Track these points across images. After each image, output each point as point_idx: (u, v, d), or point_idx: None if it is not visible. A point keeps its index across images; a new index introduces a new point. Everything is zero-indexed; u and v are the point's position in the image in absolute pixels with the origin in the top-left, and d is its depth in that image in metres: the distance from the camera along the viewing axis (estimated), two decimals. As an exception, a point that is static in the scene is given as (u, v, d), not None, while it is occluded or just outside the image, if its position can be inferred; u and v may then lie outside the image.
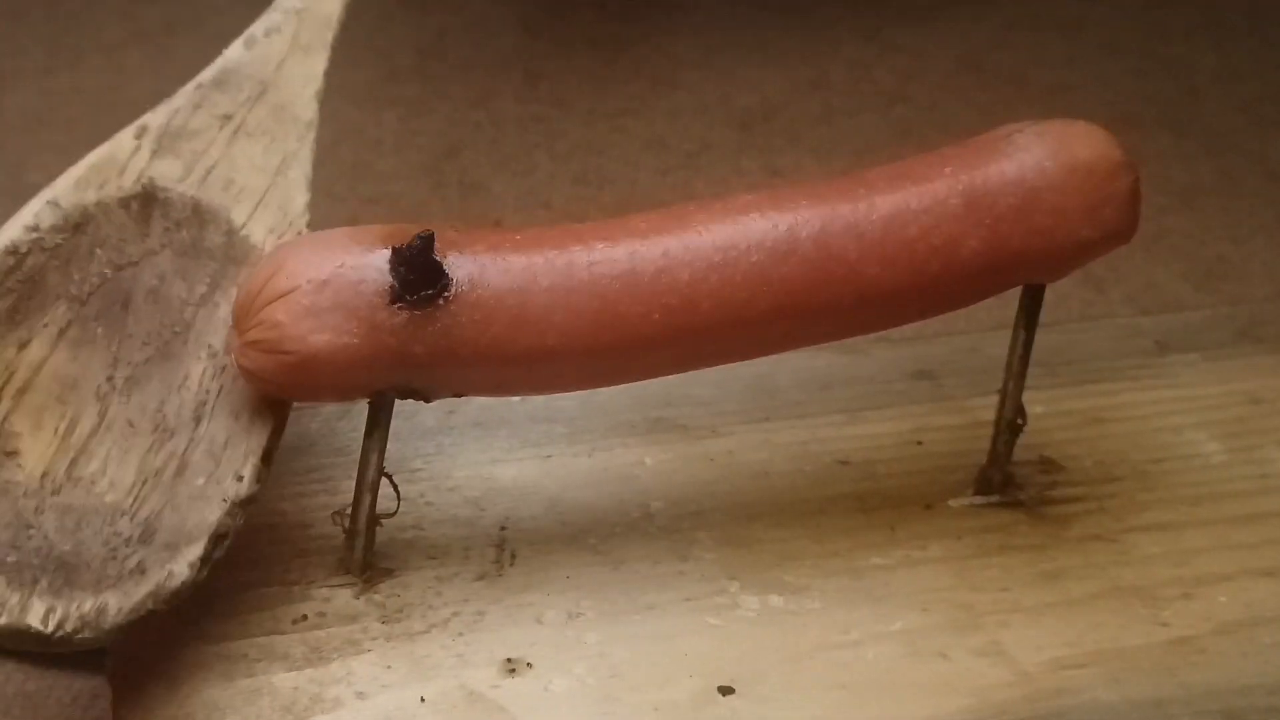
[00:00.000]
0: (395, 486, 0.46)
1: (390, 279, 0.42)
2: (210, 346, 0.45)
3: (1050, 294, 0.49)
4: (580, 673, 0.44)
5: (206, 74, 0.49)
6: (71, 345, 0.44)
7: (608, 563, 0.48)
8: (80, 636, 0.40)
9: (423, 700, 0.43)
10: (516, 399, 0.55)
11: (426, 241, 0.42)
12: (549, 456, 0.52)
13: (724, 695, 0.43)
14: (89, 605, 0.40)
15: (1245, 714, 0.44)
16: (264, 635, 0.44)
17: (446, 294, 0.42)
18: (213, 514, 0.42)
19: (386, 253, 0.42)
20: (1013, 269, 0.47)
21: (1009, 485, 0.51)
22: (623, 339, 0.44)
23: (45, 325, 0.44)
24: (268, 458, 0.44)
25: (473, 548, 0.48)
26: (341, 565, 0.46)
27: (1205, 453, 0.54)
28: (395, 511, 0.46)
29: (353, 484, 0.45)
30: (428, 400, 0.45)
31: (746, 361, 0.58)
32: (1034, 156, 0.46)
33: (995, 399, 0.50)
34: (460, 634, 0.45)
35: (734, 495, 0.51)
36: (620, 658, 0.44)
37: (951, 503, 0.51)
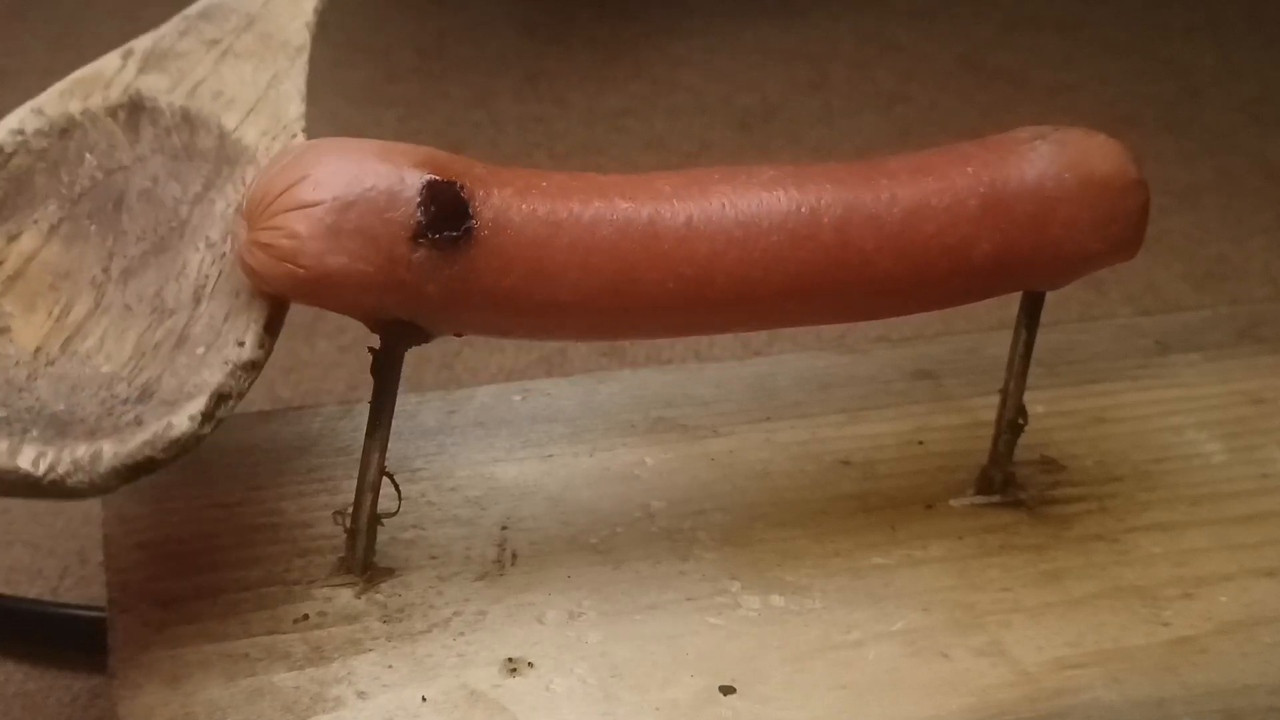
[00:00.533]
0: (396, 486, 0.46)
1: (418, 214, 0.41)
2: (208, 238, 0.44)
3: (1051, 294, 0.49)
4: (581, 672, 0.44)
5: (192, 9, 0.49)
6: (64, 240, 0.44)
7: (609, 562, 0.48)
8: (74, 480, 0.39)
9: (424, 700, 0.43)
10: (518, 398, 0.55)
11: (459, 184, 0.41)
12: (550, 456, 0.52)
13: (725, 695, 0.43)
14: (82, 451, 0.39)
15: (1246, 713, 0.44)
16: (265, 635, 0.44)
17: (470, 237, 0.42)
18: (214, 375, 0.41)
19: (417, 183, 0.41)
20: (1018, 275, 0.47)
21: (1010, 485, 0.51)
22: (635, 302, 0.43)
23: (35, 221, 0.44)
24: (270, 327, 0.43)
25: (474, 547, 0.48)
26: (343, 565, 0.46)
27: (1206, 453, 0.54)
28: (396, 511, 0.46)
29: (354, 483, 0.45)
30: (426, 338, 0.44)
31: (747, 361, 0.59)
32: (1054, 167, 0.46)
33: (996, 399, 0.50)
34: (461, 633, 0.45)
35: (735, 495, 0.51)
36: (621, 657, 0.44)
37: (953, 502, 0.51)
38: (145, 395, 0.41)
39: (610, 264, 0.43)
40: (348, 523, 0.46)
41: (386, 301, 0.42)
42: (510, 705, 0.43)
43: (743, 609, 0.46)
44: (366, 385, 0.44)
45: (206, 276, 0.43)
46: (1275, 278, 0.70)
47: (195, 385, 0.41)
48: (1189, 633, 0.46)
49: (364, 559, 0.46)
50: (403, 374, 0.44)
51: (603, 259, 0.43)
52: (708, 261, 0.43)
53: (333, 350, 0.69)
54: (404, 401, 0.45)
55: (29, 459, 0.39)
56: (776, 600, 0.47)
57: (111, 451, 0.39)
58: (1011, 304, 0.50)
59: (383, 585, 0.46)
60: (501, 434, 0.53)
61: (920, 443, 0.53)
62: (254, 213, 0.41)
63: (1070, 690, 0.44)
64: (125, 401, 0.41)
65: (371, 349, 0.44)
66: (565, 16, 0.90)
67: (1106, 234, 0.46)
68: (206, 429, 0.41)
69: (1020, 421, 0.50)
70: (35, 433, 0.39)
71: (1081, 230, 0.46)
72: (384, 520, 0.46)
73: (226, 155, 0.45)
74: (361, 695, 0.43)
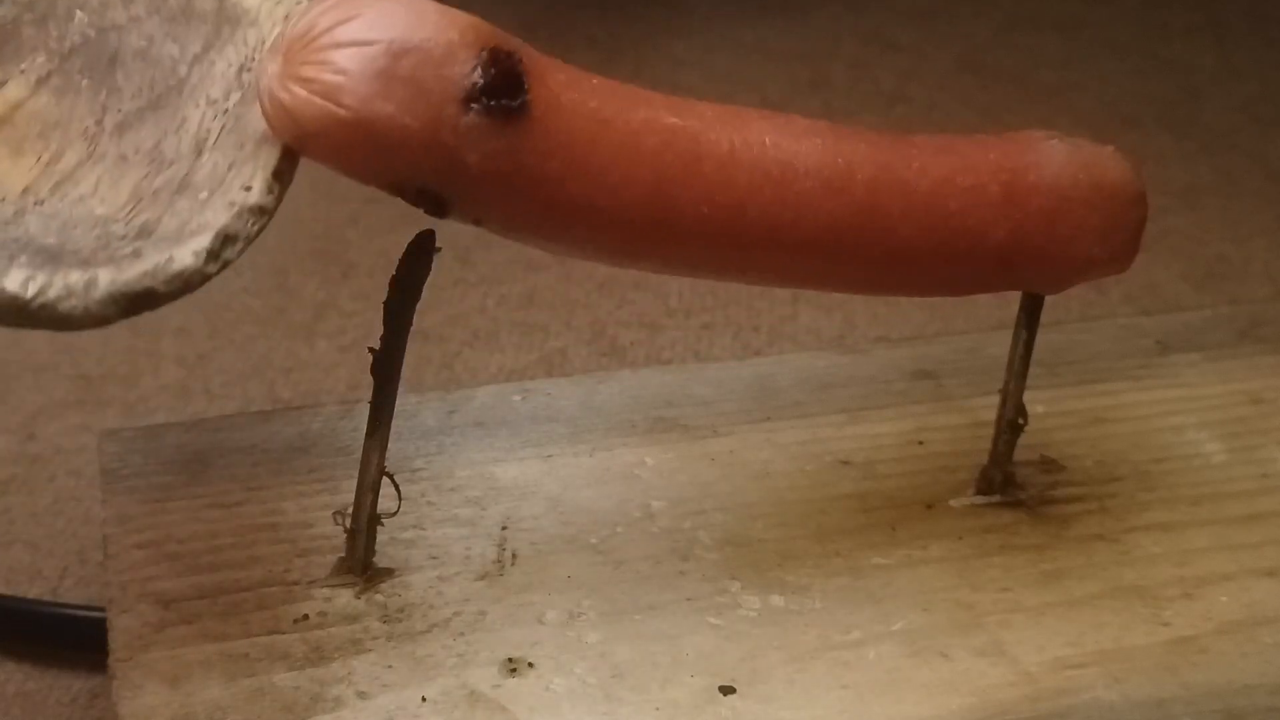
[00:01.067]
0: (396, 486, 0.46)
1: (476, 75, 0.39)
2: (209, 96, 0.42)
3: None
4: (581, 672, 0.44)
5: None
6: (54, 92, 0.42)
7: (609, 562, 0.48)
8: (66, 306, 0.37)
9: (424, 700, 0.43)
10: (518, 398, 0.55)
11: (517, 56, 0.40)
12: (550, 456, 0.52)
13: (725, 695, 0.43)
14: (75, 277, 0.37)
15: (1246, 714, 0.44)
16: (265, 635, 0.44)
17: (525, 112, 0.40)
18: (219, 216, 0.39)
19: (477, 44, 0.39)
20: (1023, 271, 0.47)
21: (1010, 485, 0.51)
22: (667, 220, 0.42)
23: (22, 71, 0.42)
24: (280, 175, 0.40)
25: (474, 547, 0.48)
26: (343, 565, 0.46)
27: (1206, 453, 0.54)
28: (396, 511, 0.46)
29: (354, 483, 0.45)
30: (442, 214, 0.42)
31: (747, 361, 0.59)
32: (1071, 166, 0.46)
33: (996, 399, 0.50)
34: (461, 634, 0.45)
35: (735, 495, 0.51)
36: (621, 657, 0.44)
37: (953, 502, 0.51)
38: (144, 233, 0.39)
39: (651, 175, 0.42)
40: (348, 523, 0.46)
41: (421, 164, 0.40)
42: (510, 705, 0.43)
43: (743, 609, 0.46)
44: (366, 385, 0.44)
45: (208, 131, 0.41)
46: (1275, 278, 0.70)
47: (199, 225, 0.39)
48: (1189, 633, 0.46)
49: (364, 559, 0.46)
50: (403, 374, 0.44)
51: (645, 169, 0.42)
52: (744, 194, 0.43)
53: (333, 350, 0.69)
54: (404, 401, 0.45)
55: (17, 281, 0.36)
56: (776, 600, 0.47)
57: (109, 279, 0.37)
58: (1011, 304, 0.50)
59: (383, 585, 0.46)
60: (501, 434, 0.53)
61: (920, 443, 0.53)
62: (296, 47, 0.39)
63: (1070, 690, 0.44)
64: (123, 239, 0.38)
65: (371, 349, 0.44)
66: (565, 16, 0.90)
67: (1109, 242, 0.47)
68: (211, 268, 0.38)
69: (1020, 421, 0.50)
70: (24, 259, 0.37)
71: (1088, 233, 0.46)
72: (384, 520, 0.46)
73: (227, 16, 0.43)
74: (361, 695, 0.43)
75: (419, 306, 0.44)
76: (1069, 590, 0.48)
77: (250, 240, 0.39)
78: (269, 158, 0.40)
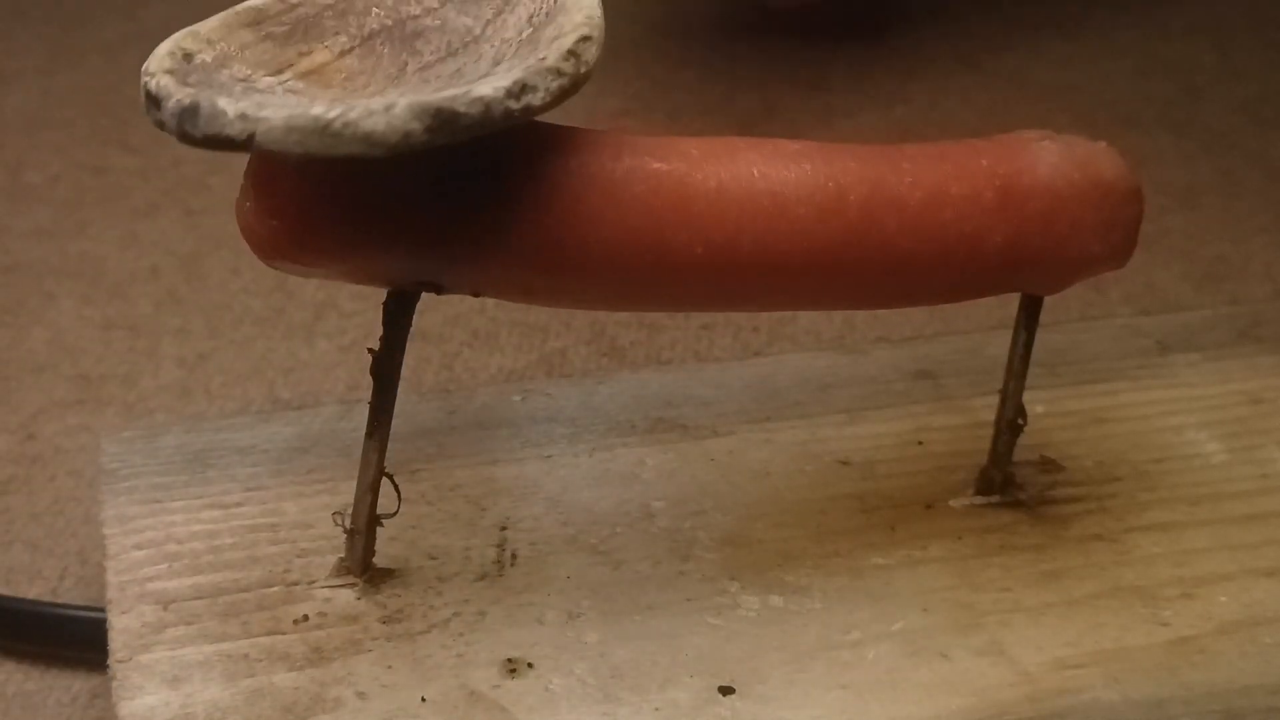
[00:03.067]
0: (396, 486, 0.46)
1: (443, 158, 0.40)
2: (504, 37, 0.43)
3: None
4: (581, 673, 0.44)
5: None
6: (357, 57, 0.43)
7: (608, 563, 0.48)
8: (369, 123, 0.38)
9: (423, 700, 0.43)
10: (518, 398, 0.55)
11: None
12: (549, 456, 0.52)
13: (724, 695, 0.43)
14: (376, 102, 0.38)
15: (1246, 714, 0.44)
16: (265, 635, 0.44)
17: (499, 186, 0.41)
18: (514, 74, 0.40)
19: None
20: (1023, 273, 0.47)
21: (1010, 485, 0.51)
22: (662, 265, 0.43)
23: (326, 46, 0.43)
24: (574, 54, 0.41)
25: (473, 548, 0.48)
26: (342, 565, 0.46)
27: (1206, 453, 0.54)
28: (396, 511, 0.46)
29: (354, 484, 0.45)
30: (441, 293, 0.43)
31: (747, 361, 0.59)
32: (1065, 166, 0.46)
33: (996, 399, 0.50)
34: (461, 634, 0.45)
35: (735, 495, 0.51)
36: (621, 657, 0.44)
37: (952, 503, 0.51)
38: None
39: (641, 223, 0.42)
40: (347, 523, 0.46)
41: (407, 263, 0.41)
42: (509, 706, 0.43)
43: (742, 609, 0.46)
44: (366, 385, 0.44)
45: (502, 55, 0.42)
46: (1275, 278, 0.70)
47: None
48: (1189, 633, 0.46)
49: (364, 559, 0.46)
50: (403, 374, 0.44)
51: (634, 218, 0.42)
52: (737, 229, 0.43)
53: (333, 350, 0.69)
54: (404, 401, 0.45)
55: (320, 108, 0.38)
56: (776, 600, 0.47)
57: (408, 101, 0.38)
58: (1011, 304, 0.50)
59: (382, 585, 0.46)
60: (501, 434, 0.53)
61: (920, 443, 0.53)
62: (261, 178, 0.40)
63: (1070, 690, 0.44)
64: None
65: (371, 349, 0.44)
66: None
67: (1108, 239, 0.47)
68: (513, 104, 0.39)
69: (1020, 422, 0.50)
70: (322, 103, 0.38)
71: (1085, 232, 0.46)
72: (384, 520, 0.46)
73: None
74: (361, 696, 0.43)
75: (419, 306, 0.44)
76: (1068, 590, 0.48)
77: (551, 94, 0.40)
78: (560, 46, 0.41)
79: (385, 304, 0.44)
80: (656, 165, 0.43)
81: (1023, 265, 0.46)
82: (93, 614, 0.51)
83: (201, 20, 0.42)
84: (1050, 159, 0.46)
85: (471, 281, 0.43)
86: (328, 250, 0.40)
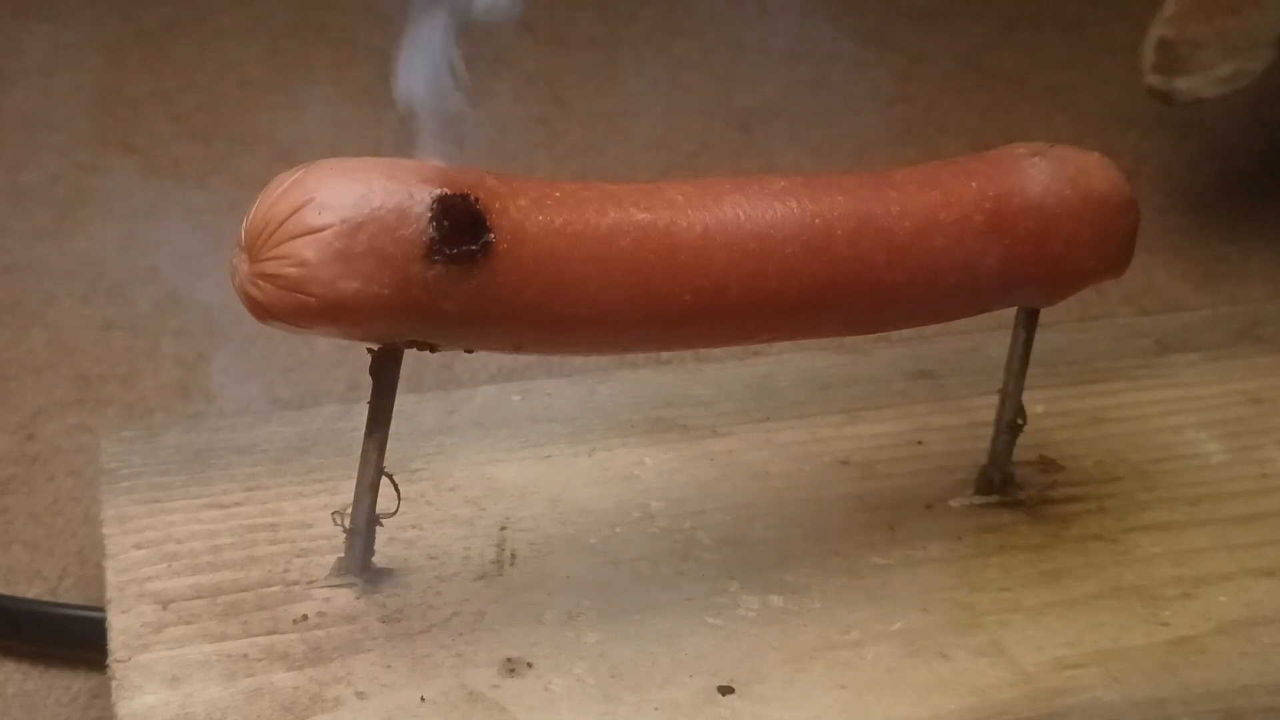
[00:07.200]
0: (396, 486, 0.46)
1: (430, 229, 0.40)
2: None
3: (1050, 294, 0.49)
4: (580, 672, 0.44)
5: None
6: None
7: (608, 562, 0.48)
8: None
9: (423, 700, 0.43)
10: (518, 398, 0.55)
11: (472, 197, 0.40)
12: (549, 456, 0.52)
13: (724, 695, 0.43)
14: None
15: (1245, 713, 0.44)
16: (265, 635, 0.44)
17: (488, 251, 0.40)
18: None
19: (427, 198, 0.40)
20: (1018, 291, 0.47)
21: (1009, 485, 0.51)
22: (651, 315, 0.43)
23: None
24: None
25: (473, 547, 0.48)
26: (342, 565, 0.46)
27: (1205, 452, 0.54)
28: (395, 511, 0.46)
29: (353, 484, 0.45)
30: (435, 351, 0.43)
31: (747, 361, 0.59)
32: (1056, 184, 0.46)
33: (995, 399, 0.50)
34: (460, 634, 0.45)
35: (734, 495, 0.51)
36: (620, 657, 0.44)
37: (952, 502, 0.51)
38: None
39: (628, 277, 0.42)
40: (347, 523, 0.46)
41: (401, 323, 0.41)
42: (509, 705, 0.43)
43: (741, 609, 0.46)
44: (366, 385, 0.44)
45: None
46: (1275, 278, 0.70)
47: None
48: (1188, 633, 0.46)
49: (363, 559, 0.46)
50: (402, 374, 0.44)
51: (620, 273, 0.42)
52: (723, 274, 0.43)
53: (333, 350, 0.69)
54: (404, 401, 0.45)
55: None
56: (775, 600, 0.47)
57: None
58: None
59: (382, 585, 0.46)
60: (501, 434, 0.53)
61: (919, 443, 0.53)
62: (255, 243, 0.40)
63: (1070, 690, 0.44)
64: None
65: (371, 349, 0.44)
66: (565, 16, 0.90)
67: (1103, 251, 0.47)
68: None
69: (1019, 421, 0.50)
70: None
71: (1080, 247, 0.46)
72: (383, 520, 0.46)
73: None
74: (360, 695, 0.43)
75: (418, 307, 0.44)
76: (1068, 590, 0.48)
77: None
78: None
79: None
80: (641, 215, 0.43)
81: (1017, 284, 0.47)
82: (92, 614, 0.51)
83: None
84: (1040, 178, 0.46)
85: (462, 340, 0.43)
86: (323, 316, 0.40)
